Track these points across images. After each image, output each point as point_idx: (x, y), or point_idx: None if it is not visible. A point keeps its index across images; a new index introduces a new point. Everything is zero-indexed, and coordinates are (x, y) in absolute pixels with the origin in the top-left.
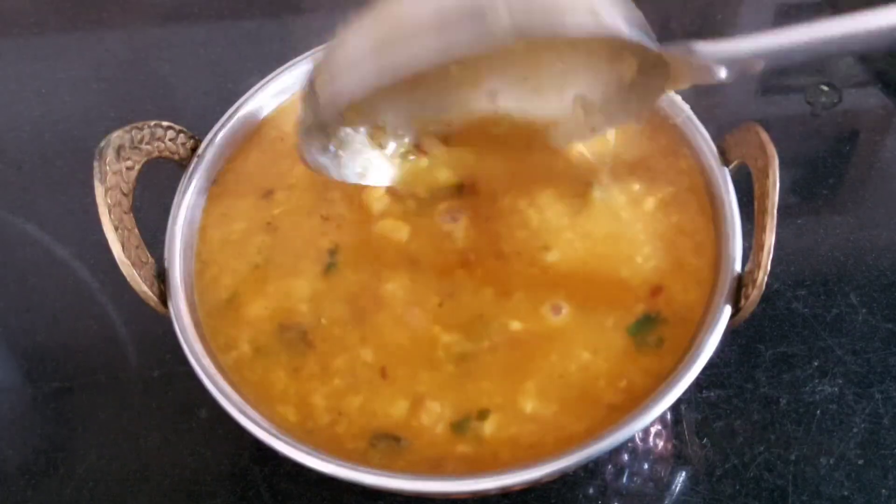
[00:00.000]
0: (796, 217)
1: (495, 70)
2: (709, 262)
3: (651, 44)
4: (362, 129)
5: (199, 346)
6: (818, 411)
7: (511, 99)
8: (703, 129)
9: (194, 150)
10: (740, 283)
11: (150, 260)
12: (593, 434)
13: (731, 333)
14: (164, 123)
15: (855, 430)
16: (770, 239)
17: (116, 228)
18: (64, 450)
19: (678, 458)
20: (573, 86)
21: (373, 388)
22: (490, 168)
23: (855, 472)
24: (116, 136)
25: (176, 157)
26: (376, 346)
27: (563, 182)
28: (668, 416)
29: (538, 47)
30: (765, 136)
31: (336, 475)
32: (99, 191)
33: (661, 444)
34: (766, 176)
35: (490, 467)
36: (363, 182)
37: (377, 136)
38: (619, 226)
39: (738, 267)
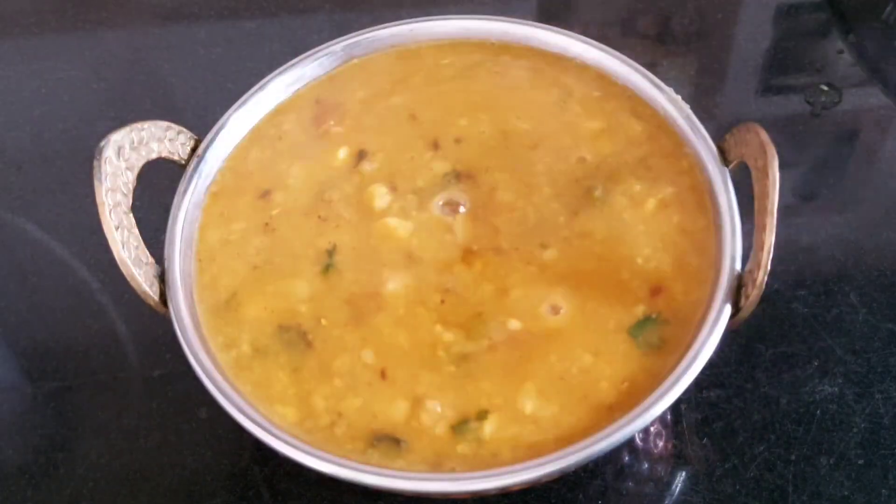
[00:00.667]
0: (796, 217)
1: None
2: (709, 262)
3: None
4: None
5: (199, 346)
6: (818, 411)
7: None
8: (703, 128)
9: (194, 150)
10: (740, 283)
11: (150, 260)
12: (593, 434)
13: (731, 333)
14: (164, 123)
15: (855, 429)
16: (770, 239)
17: (116, 228)
18: (64, 449)
19: (678, 458)
20: None
21: (372, 389)
22: (488, 160)
23: (855, 471)
24: (116, 137)
25: (176, 157)
26: (376, 346)
27: (562, 180)
28: (669, 416)
29: None
30: (765, 136)
31: (336, 475)
32: (99, 191)
33: (661, 444)
34: (766, 176)
35: (490, 467)
36: None
37: None
38: (619, 226)
39: (738, 267)
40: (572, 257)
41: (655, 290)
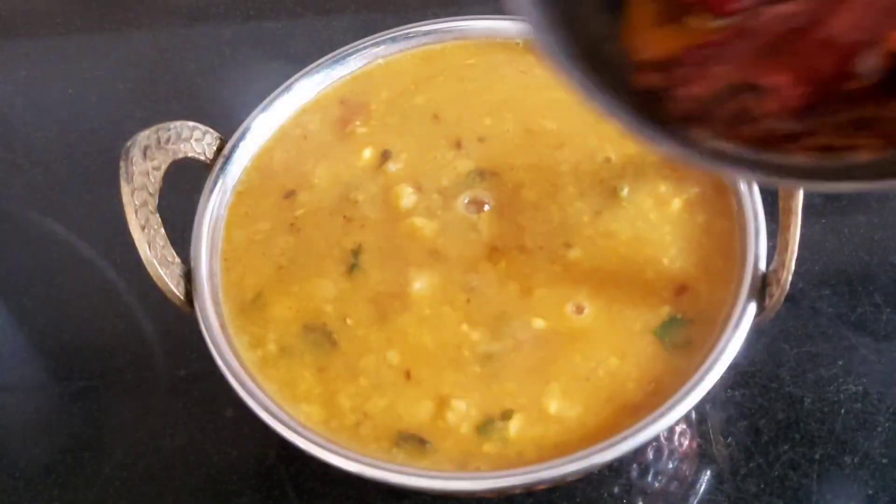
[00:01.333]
0: (820, 216)
1: None
2: (734, 262)
3: None
4: None
5: (225, 346)
6: (843, 410)
7: None
8: None
9: (220, 149)
10: (765, 283)
11: (177, 259)
12: (618, 433)
13: (755, 333)
14: (190, 123)
15: (879, 428)
16: (794, 238)
17: (143, 228)
18: (90, 449)
19: (703, 456)
20: None
21: (398, 389)
22: (512, 159)
23: (879, 470)
24: (143, 137)
25: (202, 157)
26: (401, 346)
27: (587, 179)
28: (693, 416)
29: None
30: None
31: (362, 474)
32: (125, 191)
33: (685, 443)
34: None
35: (515, 466)
36: None
37: None
38: (645, 226)
39: (762, 267)
40: (596, 257)
41: (680, 290)
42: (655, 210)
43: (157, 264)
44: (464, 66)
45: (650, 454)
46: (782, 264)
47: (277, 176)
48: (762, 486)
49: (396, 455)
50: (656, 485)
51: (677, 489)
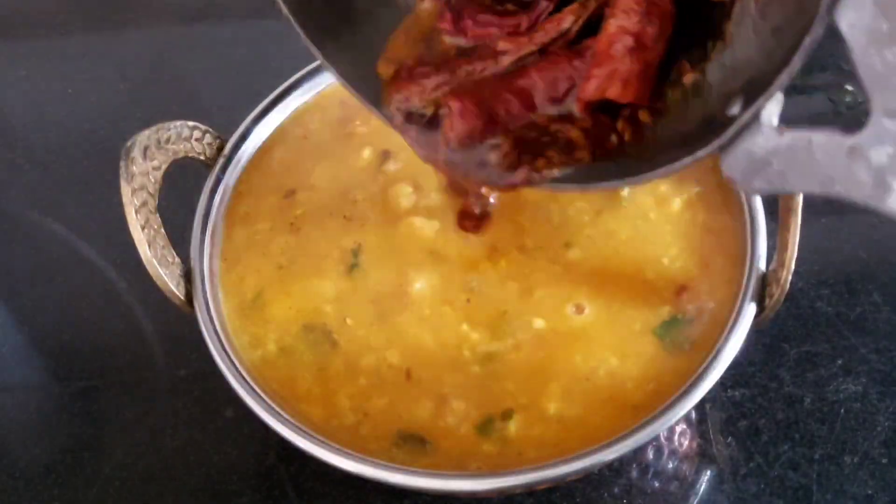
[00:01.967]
0: (820, 216)
1: None
2: (734, 262)
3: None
4: None
5: (224, 346)
6: (842, 410)
7: None
8: None
9: (220, 149)
10: (765, 283)
11: (177, 259)
12: (618, 433)
13: (755, 332)
14: (190, 123)
15: (879, 428)
16: (794, 238)
17: (143, 228)
18: (90, 449)
19: (703, 456)
20: None
21: (397, 389)
22: None
23: (879, 470)
24: (143, 137)
25: (202, 157)
26: (401, 347)
27: None
28: (693, 415)
29: None
30: None
31: (362, 474)
32: (125, 191)
33: (685, 443)
34: None
35: (515, 466)
36: None
37: None
38: (646, 226)
39: (762, 266)
40: (597, 257)
41: (680, 290)
42: (656, 209)
43: (157, 264)
44: None
45: (650, 454)
46: (782, 264)
47: (277, 176)
48: (762, 485)
49: (396, 455)
50: (656, 485)
51: (677, 489)
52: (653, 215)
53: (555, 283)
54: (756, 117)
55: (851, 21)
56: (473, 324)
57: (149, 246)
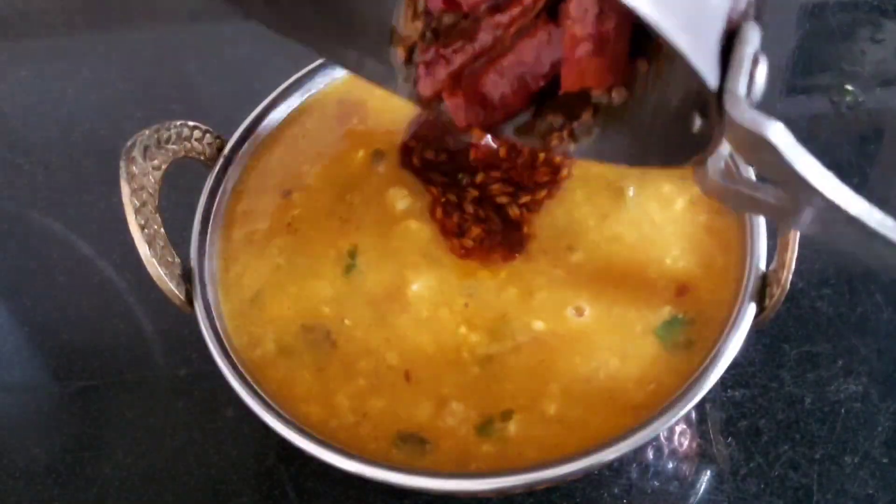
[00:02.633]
0: None
1: None
2: (735, 261)
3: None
4: None
5: (225, 346)
6: (843, 410)
7: None
8: None
9: (220, 149)
10: (765, 283)
11: (177, 259)
12: (618, 433)
13: (755, 333)
14: (191, 123)
15: (879, 428)
16: (795, 237)
17: (143, 228)
18: (90, 449)
19: (703, 457)
20: None
21: (396, 390)
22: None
23: (879, 470)
24: (143, 136)
25: (202, 157)
26: (400, 348)
27: (593, 182)
28: (693, 416)
29: None
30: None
31: (362, 474)
32: (125, 191)
33: (685, 443)
34: None
35: (515, 466)
36: None
37: None
38: (650, 228)
39: (762, 266)
40: (600, 260)
41: (681, 290)
42: (660, 212)
43: (156, 264)
44: None
45: (650, 454)
46: (782, 264)
47: (275, 175)
48: (762, 486)
49: (395, 455)
50: (656, 484)
51: (677, 489)
52: (658, 218)
53: (556, 286)
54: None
55: None
56: (472, 327)
57: (149, 246)
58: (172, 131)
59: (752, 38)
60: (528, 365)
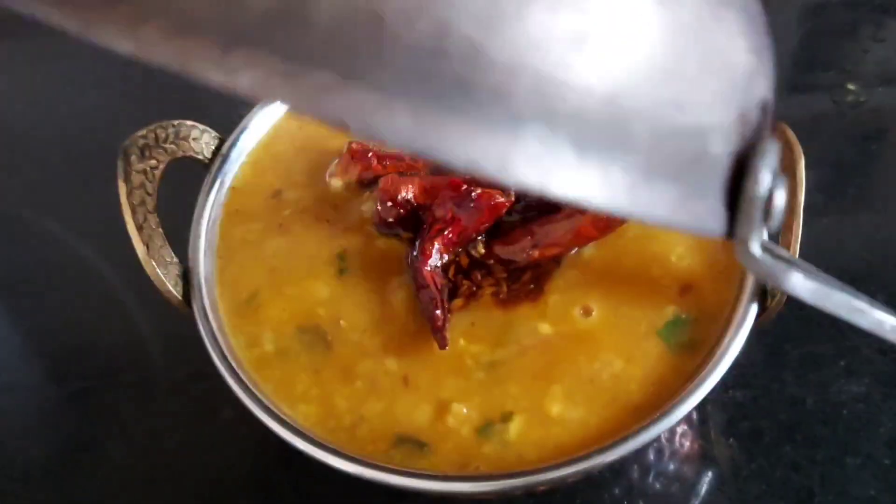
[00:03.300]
0: (823, 216)
1: None
2: (737, 261)
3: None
4: None
5: (223, 346)
6: (845, 411)
7: None
8: None
9: (218, 148)
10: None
11: (175, 259)
12: (619, 435)
13: (757, 333)
14: (189, 122)
15: (882, 429)
16: (797, 238)
17: (140, 228)
18: (88, 450)
19: (704, 458)
20: None
21: (395, 395)
22: None
23: (882, 472)
24: (141, 135)
25: (200, 156)
26: (398, 353)
27: None
28: (695, 416)
29: None
30: (791, 135)
31: (362, 476)
32: (123, 190)
33: (687, 444)
34: (793, 175)
35: (515, 468)
36: None
37: None
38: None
39: None
40: (607, 256)
41: (685, 289)
42: None
43: (154, 264)
44: None
45: (651, 455)
46: None
47: (268, 174)
48: (764, 487)
49: (395, 456)
50: (657, 486)
51: (678, 491)
52: None
53: (567, 287)
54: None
55: None
56: (472, 338)
57: (146, 246)
58: (170, 130)
59: (764, 174)
60: (533, 367)
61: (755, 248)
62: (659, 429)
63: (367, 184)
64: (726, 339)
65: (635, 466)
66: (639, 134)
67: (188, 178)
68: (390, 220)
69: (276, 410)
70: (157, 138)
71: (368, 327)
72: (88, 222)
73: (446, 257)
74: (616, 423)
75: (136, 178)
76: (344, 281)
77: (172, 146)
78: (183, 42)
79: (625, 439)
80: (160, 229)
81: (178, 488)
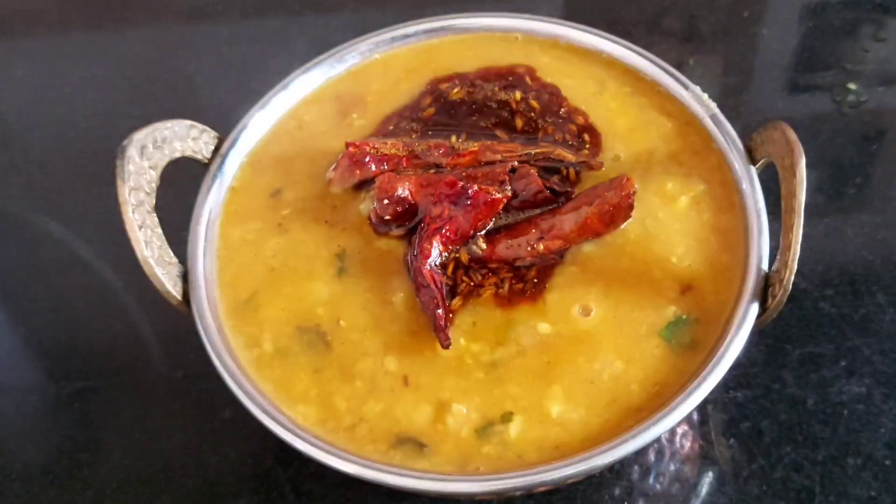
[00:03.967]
0: (823, 216)
1: None
2: (738, 261)
3: None
4: None
5: (221, 347)
6: (845, 411)
7: None
8: (731, 127)
9: (217, 148)
10: (767, 283)
11: (174, 259)
12: (620, 435)
13: (758, 333)
14: (188, 122)
15: (882, 430)
16: (797, 238)
17: (139, 228)
18: (87, 450)
19: (705, 458)
20: None
21: (395, 395)
22: None
23: (882, 472)
24: (139, 136)
25: (199, 155)
26: (398, 353)
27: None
28: (695, 417)
29: None
30: (792, 135)
31: (361, 476)
32: (122, 190)
33: (687, 444)
34: (794, 175)
35: (515, 468)
36: None
37: None
38: (654, 225)
39: (765, 267)
40: (607, 255)
41: (686, 289)
42: (663, 208)
43: (153, 264)
44: (462, 57)
45: (651, 456)
46: (785, 264)
47: (268, 174)
48: (764, 487)
49: (394, 456)
50: (658, 487)
51: (679, 491)
52: (661, 214)
53: (567, 284)
54: None
55: None
56: (473, 338)
57: (145, 245)
58: (169, 130)
59: None
60: (533, 367)
61: None
62: (659, 430)
63: (363, 184)
64: (726, 340)
65: (636, 467)
66: None
67: (188, 178)
68: (387, 217)
69: (275, 412)
70: (155, 138)
71: (368, 327)
72: (87, 222)
73: (445, 255)
74: (616, 423)
75: (135, 178)
76: (343, 281)
77: (171, 146)
78: None
79: (625, 440)
80: (159, 229)
81: (177, 489)
